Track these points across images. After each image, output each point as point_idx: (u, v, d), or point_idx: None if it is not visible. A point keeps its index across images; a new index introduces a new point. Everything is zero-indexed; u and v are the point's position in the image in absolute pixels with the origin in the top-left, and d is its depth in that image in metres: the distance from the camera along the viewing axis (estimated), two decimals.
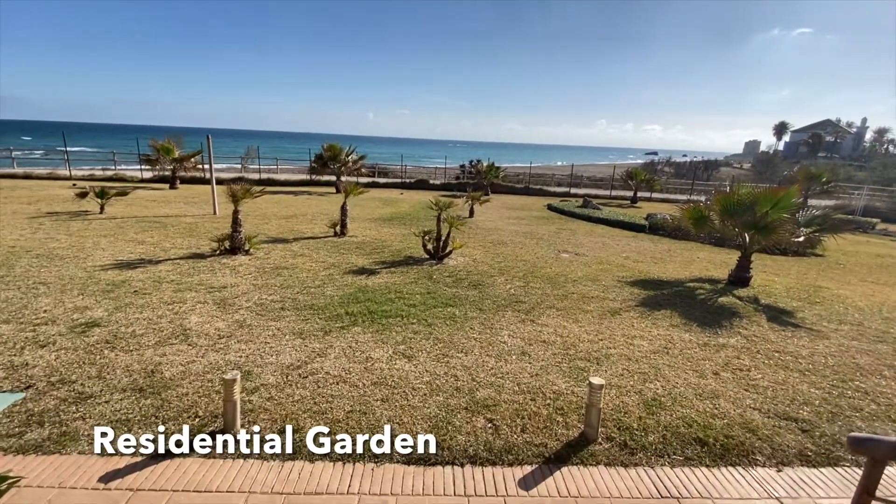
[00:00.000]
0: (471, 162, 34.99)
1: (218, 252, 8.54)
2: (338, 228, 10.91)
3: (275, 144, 36.16)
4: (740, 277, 8.31)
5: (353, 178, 22.95)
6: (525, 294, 7.00)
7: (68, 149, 24.86)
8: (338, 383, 4.08)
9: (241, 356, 4.51)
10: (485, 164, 25.10)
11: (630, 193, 25.86)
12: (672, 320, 6.19)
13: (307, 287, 6.78)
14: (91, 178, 21.39)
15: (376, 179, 27.77)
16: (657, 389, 4.26)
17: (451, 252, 9.00)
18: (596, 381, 3.39)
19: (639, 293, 7.41)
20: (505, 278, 7.84)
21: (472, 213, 15.56)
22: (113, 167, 25.95)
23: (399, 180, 27.52)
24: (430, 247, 9.00)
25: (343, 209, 10.99)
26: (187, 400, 3.74)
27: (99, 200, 12.62)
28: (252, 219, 12.62)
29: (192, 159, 21.20)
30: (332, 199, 17.95)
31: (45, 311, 5.36)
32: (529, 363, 4.65)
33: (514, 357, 4.77)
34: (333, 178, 22.43)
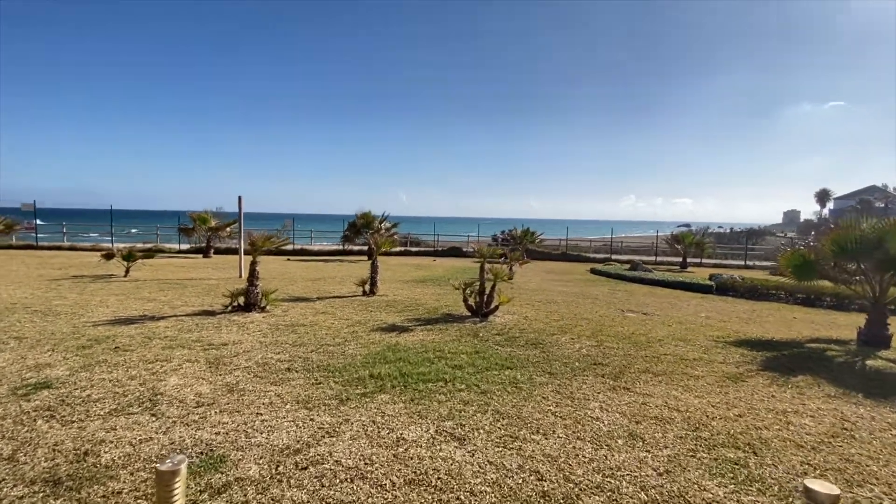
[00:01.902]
0: (502, 232, 34.31)
1: (230, 308, 7.45)
2: (367, 287, 9.75)
3: (310, 223, 36.93)
4: (877, 336, 6.40)
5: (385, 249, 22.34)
6: (603, 355, 5.39)
7: (116, 226, 25.80)
8: (352, 480, 2.59)
9: (218, 432, 3.12)
10: (519, 231, 24.19)
11: (676, 259, 24.04)
12: (823, 389, 4.40)
13: (324, 345, 5.45)
14: (131, 250, 21.67)
15: (409, 248, 27.16)
16: (882, 502, 2.52)
17: (496, 308, 7.56)
18: (823, 489, 1.79)
19: (752, 355, 5.65)
20: (570, 337, 6.27)
21: (511, 275, 14.21)
22: (154, 240, 26.60)
23: (431, 248, 26.83)
24: (471, 302, 7.61)
25: (373, 266, 9.91)
26: (118, 502, 2.34)
27: (125, 263, 12.13)
28: (278, 281, 11.73)
29: (228, 228, 21.26)
30: (363, 266, 17.08)
31: None
32: (648, 451, 3.02)
33: (620, 442, 3.15)
34: (366, 247, 21.88)
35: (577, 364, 4.97)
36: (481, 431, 3.23)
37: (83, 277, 11.29)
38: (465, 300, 7.58)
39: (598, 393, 4.10)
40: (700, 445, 3.11)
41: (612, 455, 2.95)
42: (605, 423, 3.44)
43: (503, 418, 3.46)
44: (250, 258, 7.69)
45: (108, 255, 12.59)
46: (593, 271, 18.28)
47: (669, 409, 3.77)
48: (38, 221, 22.48)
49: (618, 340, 6.17)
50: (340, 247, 24.14)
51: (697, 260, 24.39)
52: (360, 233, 21.20)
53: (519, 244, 22.61)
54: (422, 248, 27.46)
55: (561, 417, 3.51)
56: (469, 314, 7.56)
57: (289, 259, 19.87)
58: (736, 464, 2.88)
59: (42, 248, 20.62)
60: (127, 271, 12.03)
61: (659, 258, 25.97)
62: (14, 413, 3.32)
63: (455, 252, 25.16)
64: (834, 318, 8.98)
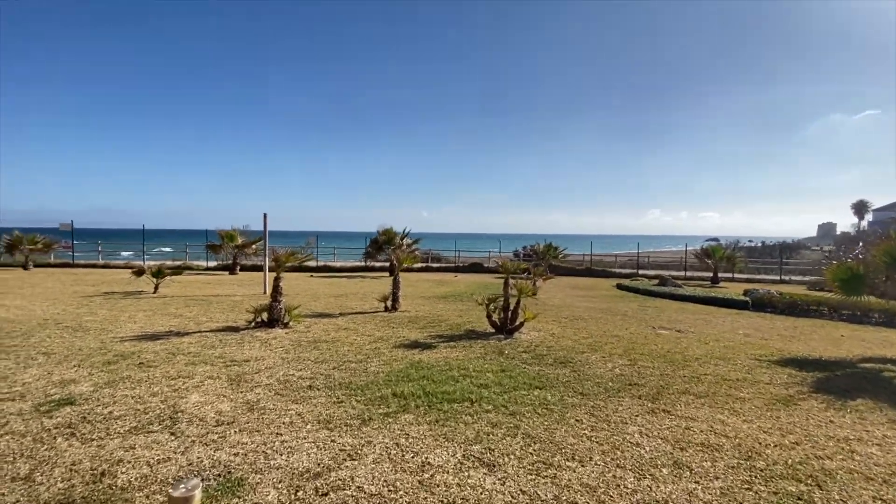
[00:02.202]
0: (524, 247, 33.97)
1: (253, 325, 7.44)
2: (389, 303, 9.65)
3: (334, 240, 37.41)
4: None
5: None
6: (638, 375, 5.08)
7: (148, 244, 26.66)
8: None
9: (237, 453, 3.00)
10: (541, 246, 23.85)
11: (706, 274, 23.21)
12: (886, 414, 4.00)
13: (346, 362, 5.32)
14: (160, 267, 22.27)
15: (430, 264, 27.08)
16: None
17: (522, 325, 7.32)
18: None
19: (801, 375, 5.23)
20: (600, 355, 5.97)
21: (535, 291, 13.89)
22: (184, 258, 27.34)
23: (452, 265, 26.68)
24: (496, 318, 7.40)
25: (395, 281, 9.82)
26: None
27: (154, 280, 12.41)
28: (302, 297, 11.75)
29: (253, 246, 21.65)
30: (385, 282, 17.07)
31: (22, 384, 4.25)
32: (697, 482, 2.74)
33: (665, 471, 2.88)
34: (388, 263, 21.92)
35: (610, 384, 4.68)
36: (512, 457, 3.01)
37: (114, 294, 11.57)
38: (489, 316, 7.37)
39: (636, 416, 3.82)
40: (755, 477, 2.81)
41: (658, 486, 2.68)
42: (647, 449, 3.17)
43: (535, 442, 3.24)
44: (274, 274, 7.71)
45: (139, 272, 12.92)
46: (620, 287, 17.76)
47: (716, 434, 3.46)
48: (75, 241, 23.40)
49: (652, 359, 5.83)
50: (363, 263, 24.27)
51: (729, 275, 23.49)
52: (382, 249, 21.27)
53: (542, 259, 22.25)
54: (443, 265, 27.33)
55: (598, 443, 3.26)
56: (493, 331, 7.34)
57: (312, 275, 20.05)
58: (799, 499, 2.58)
59: (78, 265, 21.40)
60: (156, 288, 12.29)
61: (688, 273, 25.11)
62: (35, 430, 3.28)
63: (476, 268, 24.95)
64: (886, 335, 8.36)
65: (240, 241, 20.89)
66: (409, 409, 3.80)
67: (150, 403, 3.84)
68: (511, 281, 7.64)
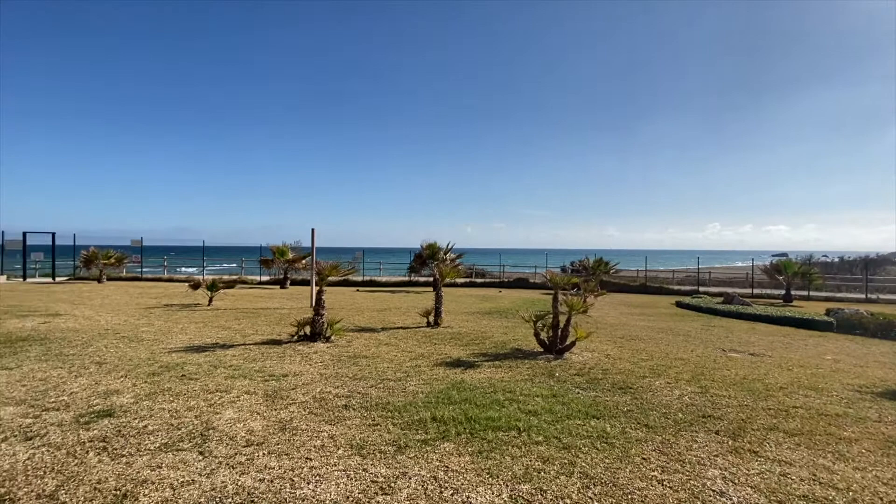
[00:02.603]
0: (573, 262, 32.82)
1: (296, 338, 7.39)
2: (431, 318, 9.37)
3: (379, 255, 38.00)
4: None
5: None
6: (712, 405, 4.43)
7: (208, 259, 28.22)
8: None
9: (262, 479, 2.77)
10: (591, 261, 22.83)
11: (776, 291, 21.22)
12: None
13: (385, 380, 5.05)
14: (222, 280, 23.43)
15: (474, 279, 26.68)
16: None
17: (573, 344, 6.77)
18: None
19: None
20: (665, 381, 5.33)
21: (586, 308, 13.12)
22: (239, 272, 28.66)
23: (497, 280, 26.12)
24: (544, 336, 6.90)
25: (437, 296, 9.55)
26: None
27: (208, 293, 12.91)
28: (346, 311, 11.77)
29: (303, 261, 22.28)
30: (428, 296, 16.88)
31: (70, 393, 4.31)
32: None
33: None
34: (431, 277, 21.80)
35: (680, 416, 4.09)
36: (568, 502, 2.57)
37: (173, 306, 12.11)
38: (537, 334, 6.88)
39: (716, 456, 3.24)
40: None
41: None
42: (735, 501, 2.62)
43: (595, 484, 2.77)
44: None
45: (195, 286, 13.51)
46: (680, 304, 16.51)
47: (822, 485, 2.83)
48: (143, 256, 25.14)
49: (727, 387, 5.12)
50: (407, 278, 24.30)
51: (803, 293, 21.37)
52: (426, 264, 21.18)
53: (592, 275, 21.25)
54: (487, 280, 26.84)
55: (672, 488, 2.74)
56: (541, 350, 6.85)
57: (358, 290, 20.25)
58: None
59: (145, 279, 22.93)
60: (210, 300, 12.76)
61: (755, 290, 23.07)
62: (70, 443, 3.23)
63: (522, 283, 24.27)
64: None
65: (290, 255, 21.56)
66: (450, 437, 3.44)
67: (185, 419, 3.74)
68: (560, 297, 7.13)
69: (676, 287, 23.89)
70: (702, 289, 23.07)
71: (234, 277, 25.29)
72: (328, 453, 3.15)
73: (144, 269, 25.03)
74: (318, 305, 7.40)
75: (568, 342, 6.80)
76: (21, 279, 20.76)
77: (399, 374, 5.29)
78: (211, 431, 3.48)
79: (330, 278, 7.99)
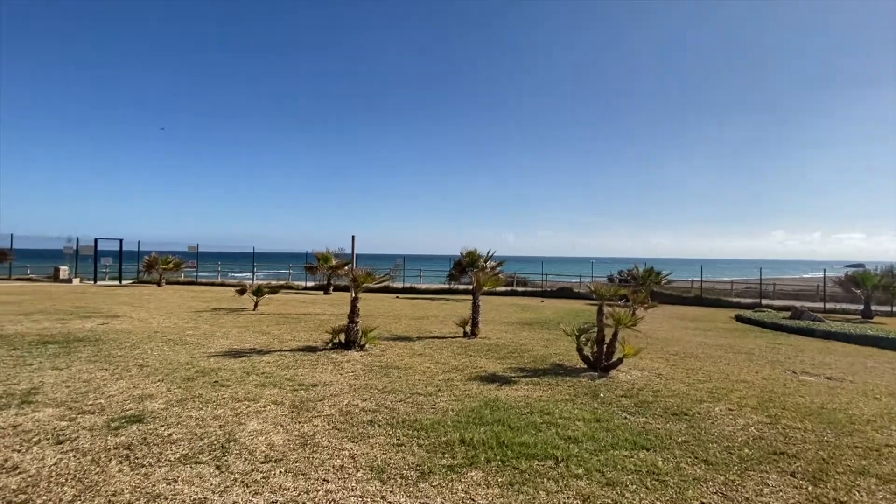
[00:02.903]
0: (620, 272, 31.44)
1: (330, 346, 7.34)
2: (468, 328, 9.08)
3: (420, 262, 38.14)
4: None
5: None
6: (784, 440, 3.84)
7: (258, 264, 29.46)
8: None
9: (275, 501, 2.59)
10: (640, 270, 21.65)
11: (853, 306, 19.17)
12: None
13: (415, 394, 4.82)
14: (268, 285, 24.34)
15: (515, 288, 26.09)
16: None
17: (620, 361, 6.25)
18: None
19: None
20: (726, 407, 4.74)
21: (635, 321, 12.32)
22: (287, 278, 29.67)
23: (539, 289, 25.39)
24: (588, 352, 6.42)
25: (475, 305, 9.25)
26: None
27: (254, 297, 13.31)
28: (384, 318, 11.74)
29: (346, 267, 22.64)
30: (468, 305, 16.58)
31: (107, 396, 4.39)
32: None
33: None
34: (471, 286, 21.50)
35: (746, 451, 3.55)
36: None
37: (220, 310, 12.56)
38: (580, 349, 6.42)
39: None
40: None
41: None
42: None
43: None
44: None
45: (241, 291, 13.98)
46: (740, 319, 15.23)
47: None
48: (199, 261, 26.58)
49: (802, 417, 4.47)
50: (447, 286, 24.15)
51: (886, 308, 19.20)
52: (465, 271, 20.92)
53: (642, 285, 20.13)
54: (528, 289, 26.16)
55: None
56: (585, 366, 6.38)
57: (397, 297, 20.30)
58: None
59: (200, 283, 24.19)
60: (255, 305, 13.14)
61: (828, 305, 20.98)
62: (97, 449, 3.22)
63: (565, 293, 23.42)
64: None
65: (333, 262, 21.98)
66: (478, 464, 3.13)
67: (209, 428, 3.67)
68: (606, 309, 6.64)
69: (735, 300, 22.19)
70: (765, 302, 21.28)
71: (281, 283, 26.17)
72: (347, 475, 2.94)
73: (200, 274, 26.45)
74: (353, 313, 7.32)
75: (614, 359, 6.29)
76: (92, 282, 22.48)
77: (430, 389, 5.04)
78: (232, 444, 3.38)
79: (368, 285, 7.91)
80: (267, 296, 14.13)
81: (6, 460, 3.01)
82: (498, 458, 3.23)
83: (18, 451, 3.15)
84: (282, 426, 3.77)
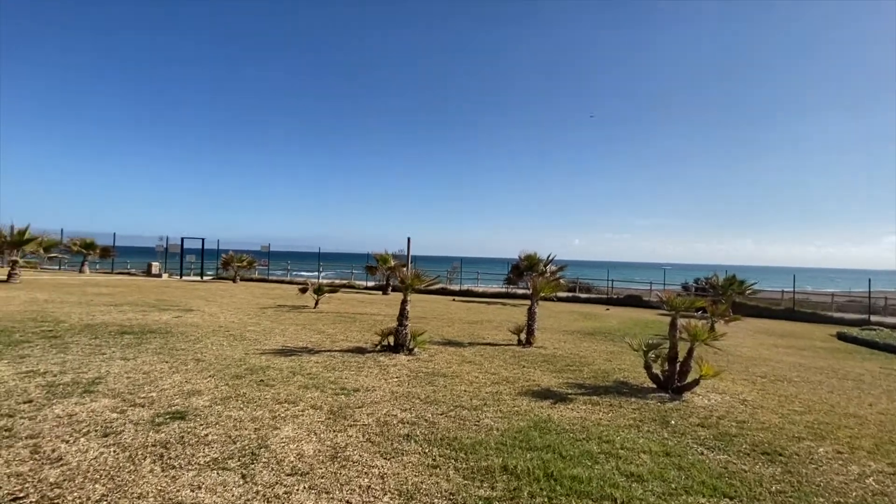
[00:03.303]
0: (696, 280, 28.94)
1: (379, 348, 7.22)
2: (523, 335, 8.58)
3: (479, 265, 37.77)
4: None
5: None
6: None
7: (324, 263, 30.76)
8: None
9: None
10: (721, 279, 19.64)
11: None
12: None
13: (459, 406, 4.48)
14: (329, 284, 25.29)
15: (577, 294, 24.88)
16: None
17: (696, 383, 5.48)
18: None
19: None
20: (833, 447, 3.90)
21: (715, 336, 11.06)
22: (349, 277, 30.68)
23: (604, 296, 23.99)
24: (657, 370, 5.71)
25: (531, 312, 8.73)
26: None
27: (314, 296, 13.73)
28: (437, 321, 11.55)
29: (405, 268, 22.88)
30: (524, 310, 15.97)
31: (160, 389, 4.52)
32: None
33: None
34: (530, 290, 20.79)
35: None
36: None
37: (284, 307, 13.05)
38: (649, 367, 5.72)
39: None
40: None
41: None
42: None
43: None
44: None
45: (303, 289, 14.47)
46: (843, 337, 13.23)
47: None
48: (271, 260, 28.23)
49: None
50: (505, 289, 23.59)
51: None
52: (524, 275, 20.24)
53: (722, 295, 18.26)
54: (592, 296, 24.82)
55: None
56: (654, 386, 5.67)
57: (454, 299, 20.10)
58: None
59: (271, 280, 25.64)
60: (316, 303, 13.52)
61: None
62: (136, 445, 3.24)
63: (633, 301, 21.90)
64: None
65: (392, 263, 22.29)
66: (521, 499, 2.72)
67: (244, 431, 3.59)
68: (681, 321, 5.88)
69: (837, 314, 19.46)
70: (874, 318, 18.43)
71: (343, 282, 27.06)
72: (372, 498, 2.67)
73: (271, 272, 28.10)
74: (402, 316, 7.14)
75: (689, 379, 5.54)
76: (178, 277, 24.64)
77: (476, 402, 4.68)
78: (263, 450, 3.25)
79: (422, 287, 7.73)
80: (327, 294, 14.52)
81: (53, 450, 3.09)
82: (544, 493, 2.80)
83: (66, 442, 3.23)
84: (315, 434, 3.60)
